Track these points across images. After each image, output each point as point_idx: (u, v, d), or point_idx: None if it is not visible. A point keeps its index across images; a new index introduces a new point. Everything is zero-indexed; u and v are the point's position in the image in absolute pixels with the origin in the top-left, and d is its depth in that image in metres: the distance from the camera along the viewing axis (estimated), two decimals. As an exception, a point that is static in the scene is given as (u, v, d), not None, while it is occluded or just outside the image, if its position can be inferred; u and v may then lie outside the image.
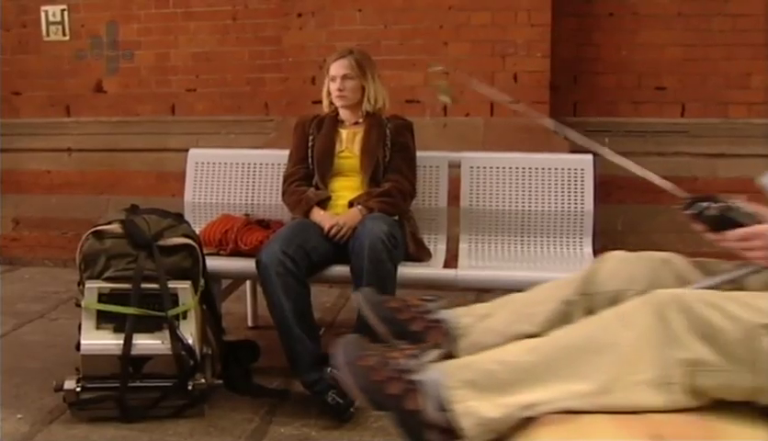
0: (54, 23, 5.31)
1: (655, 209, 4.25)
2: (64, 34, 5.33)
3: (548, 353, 1.52)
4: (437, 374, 1.53)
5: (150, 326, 2.65)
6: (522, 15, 4.39)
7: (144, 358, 2.66)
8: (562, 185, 3.33)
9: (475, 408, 1.47)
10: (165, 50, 5.18)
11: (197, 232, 3.02)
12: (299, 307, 2.73)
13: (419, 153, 3.21)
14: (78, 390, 2.65)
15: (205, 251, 2.91)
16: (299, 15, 4.62)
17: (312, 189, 3.09)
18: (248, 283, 3.68)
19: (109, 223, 2.78)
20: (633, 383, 1.47)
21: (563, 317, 1.72)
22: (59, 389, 2.68)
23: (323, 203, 3.04)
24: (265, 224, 3.22)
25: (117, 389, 2.65)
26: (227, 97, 5.10)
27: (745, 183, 2.48)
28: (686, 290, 1.61)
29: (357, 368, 1.56)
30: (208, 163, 3.58)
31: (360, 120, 3.15)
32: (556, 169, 3.36)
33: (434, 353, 1.62)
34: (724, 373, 1.47)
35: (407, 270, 2.93)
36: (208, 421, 2.71)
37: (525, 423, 1.46)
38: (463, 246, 3.29)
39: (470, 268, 3.11)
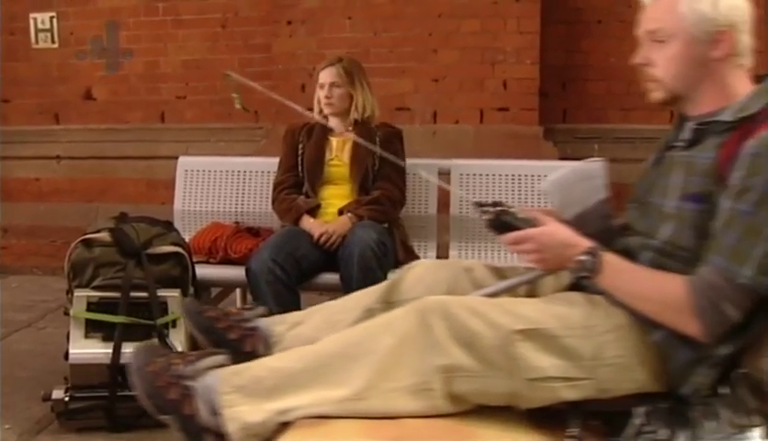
0: (43, 30, 5.30)
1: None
2: (53, 41, 5.32)
3: (313, 360, 1.57)
4: (212, 380, 1.59)
5: (139, 335, 2.63)
6: (511, 22, 4.41)
7: (133, 367, 2.65)
8: (552, 192, 3.33)
9: (241, 413, 1.54)
10: (155, 58, 5.17)
11: (187, 240, 3.02)
12: (289, 315, 2.72)
13: (408, 161, 3.21)
14: (66, 399, 2.64)
15: (194, 259, 2.91)
16: (289, 22, 4.63)
17: (302, 197, 3.09)
18: (238, 291, 3.66)
19: (98, 232, 2.77)
20: (390, 389, 1.52)
21: None
22: (47, 398, 2.67)
23: (313, 211, 3.04)
24: (254, 232, 3.22)
25: (105, 398, 2.63)
26: (217, 105, 5.09)
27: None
28: (452, 297, 1.66)
29: (144, 374, 1.63)
30: (197, 170, 3.57)
31: (350, 129, 3.15)
32: (545, 176, 3.31)
33: (215, 358, 1.67)
34: (481, 378, 1.52)
35: (397, 277, 2.92)
36: (197, 430, 2.70)
37: (284, 427, 1.52)
38: (453, 253, 3.30)
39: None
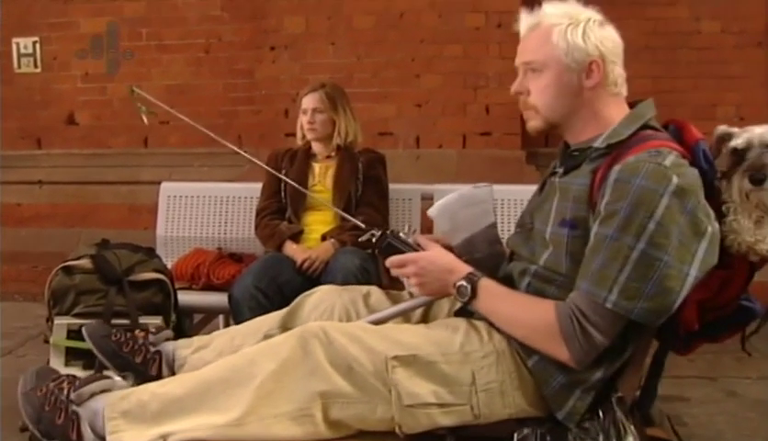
0: (26, 55, 5.30)
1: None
2: (36, 66, 5.32)
3: (197, 385, 1.59)
4: (99, 404, 1.60)
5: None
6: (493, 47, 4.46)
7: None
8: (534, 216, 3.36)
9: (124, 438, 1.55)
10: (138, 83, 5.16)
11: (170, 266, 3.00)
12: (271, 341, 2.71)
13: (391, 186, 3.22)
14: (46, 429, 2.60)
15: (177, 285, 2.89)
16: (272, 48, 4.66)
17: (285, 223, 3.08)
18: (221, 317, 3.64)
19: (79, 258, 2.74)
20: (271, 415, 1.54)
21: None
22: (25, 428, 2.61)
23: (296, 237, 3.03)
24: (237, 258, 3.21)
25: (85, 427, 2.60)
26: (200, 130, 5.08)
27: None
28: (333, 323, 1.71)
29: (31, 399, 1.65)
30: (180, 196, 3.56)
31: (332, 154, 3.16)
32: (528, 200, 3.38)
33: (103, 382, 1.68)
34: (360, 404, 1.55)
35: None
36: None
37: None
38: (437, 278, 3.29)
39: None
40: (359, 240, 1.94)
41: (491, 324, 1.66)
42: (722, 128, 1.75)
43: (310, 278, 2.87)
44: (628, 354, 1.61)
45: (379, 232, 1.76)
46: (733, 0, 4.70)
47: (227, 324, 3.61)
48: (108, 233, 3.14)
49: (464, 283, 1.64)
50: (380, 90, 4.50)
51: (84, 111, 5.28)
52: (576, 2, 1.70)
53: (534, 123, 1.71)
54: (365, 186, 3.10)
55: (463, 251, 1.75)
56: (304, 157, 3.17)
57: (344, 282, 2.68)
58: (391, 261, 1.73)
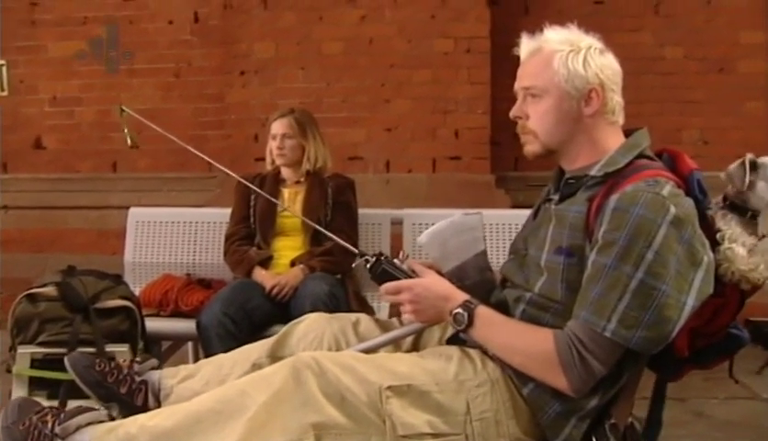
0: (-7, 79, 5.25)
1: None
2: (3, 89, 5.27)
3: (186, 417, 1.56)
4: (86, 438, 1.58)
5: (86, 392, 2.57)
6: (462, 73, 4.51)
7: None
8: (504, 240, 3.37)
9: None
10: (107, 107, 5.14)
11: (138, 292, 2.98)
12: (240, 369, 2.68)
13: (361, 211, 3.22)
14: (8, 461, 2.55)
15: (145, 312, 2.86)
16: (242, 73, 4.66)
17: (254, 249, 3.07)
18: (190, 345, 3.61)
19: (44, 286, 2.71)
20: None
21: None
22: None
23: (265, 262, 3.02)
24: (206, 284, 3.18)
25: (50, 458, 2.55)
26: (170, 154, 5.06)
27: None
28: (326, 353, 1.69)
29: (14, 433, 1.61)
30: (148, 221, 3.53)
31: (302, 179, 3.16)
32: (498, 225, 3.40)
33: (89, 415, 1.65)
34: (352, 435, 1.53)
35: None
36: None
37: None
38: (407, 303, 3.29)
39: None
40: (353, 266, 1.94)
41: (484, 352, 1.65)
42: (750, 156, 1.78)
43: (279, 305, 2.86)
44: (623, 381, 1.61)
45: (374, 258, 1.74)
46: (695, 27, 4.81)
47: (196, 352, 3.58)
48: (76, 259, 3.11)
49: (461, 311, 1.63)
50: (350, 115, 4.52)
51: (51, 135, 5.23)
52: (576, 29, 1.70)
53: (531, 147, 1.71)
54: (334, 212, 3.10)
55: (453, 278, 1.73)
56: (273, 182, 3.17)
57: (313, 308, 2.68)
58: (386, 287, 1.71)
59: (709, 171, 1.81)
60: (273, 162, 3.20)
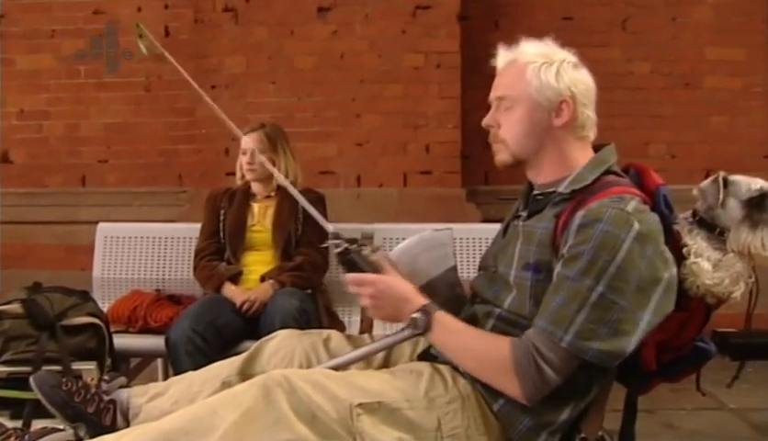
0: (-41, 93, 5.17)
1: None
2: (-30, 103, 5.19)
3: (156, 437, 1.53)
4: None
5: (52, 412, 2.53)
6: (432, 87, 4.53)
7: (45, 446, 2.53)
8: (474, 254, 3.38)
9: None
10: (76, 121, 5.10)
11: (106, 309, 2.94)
12: (209, 385, 2.66)
13: (332, 225, 3.21)
14: (-29, 482, 2.50)
15: (113, 328, 2.82)
16: (213, 87, 4.63)
17: (224, 264, 3.06)
18: (159, 361, 3.57)
19: (9, 303, 2.66)
20: None
21: None
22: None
23: (236, 278, 3.01)
24: (176, 300, 3.16)
25: (14, 479, 2.51)
26: (140, 169, 5.03)
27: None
28: (296, 370, 1.69)
29: None
30: (117, 237, 3.50)
31: (272, 194, 3.15)
32: (468, 239, 3.41)
33: (55, 436, 1.64)
34: None
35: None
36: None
37: None
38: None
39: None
40: (324, 246, 1.94)
41: (455, 368, 1.65)
42: (723, 174, 1.79)
43: (249, 320, 2.85)
44: (593, 394, 1.63)
45: (344, 246, 1.73)
46: (661, 43, 4.88)
47: (165, 368, 3.54)
48: (45, 275, 3.07)
49: (419, 315, 1.64)
50: (321, 129, 4.53)
51: (19, 149, 5.16)
52: (553, 43, 1.73)
53: (502, 156, 1.73)
54: (305, 226, 3.09)
55: (423, 294, 1.73)
56: (243, 197, 3.16)
57: (283, 324, 2.67)
58: (351, 278, 1.71)
59: (676, 184, 1.84)
60: (243, 176, 3.19)
